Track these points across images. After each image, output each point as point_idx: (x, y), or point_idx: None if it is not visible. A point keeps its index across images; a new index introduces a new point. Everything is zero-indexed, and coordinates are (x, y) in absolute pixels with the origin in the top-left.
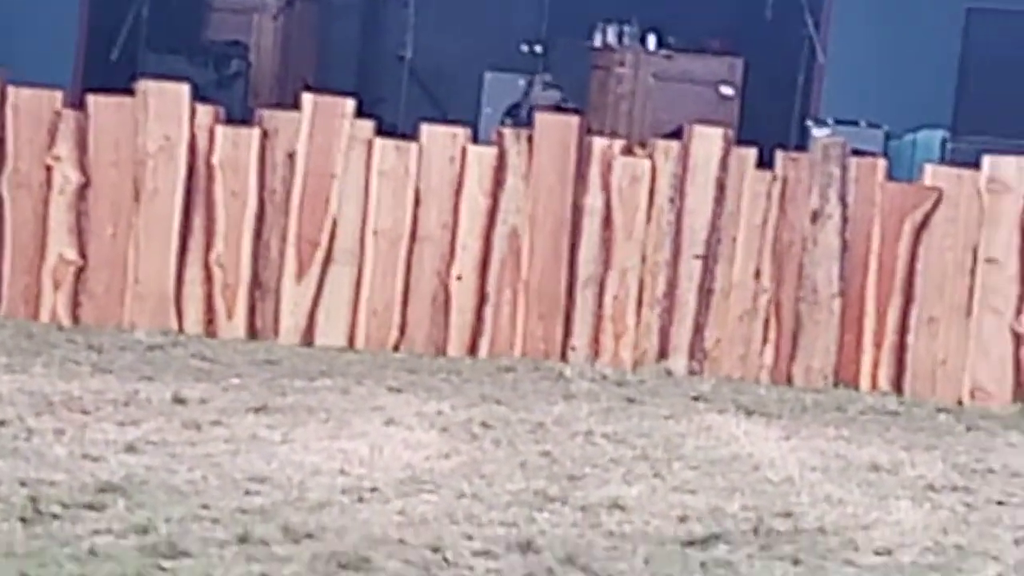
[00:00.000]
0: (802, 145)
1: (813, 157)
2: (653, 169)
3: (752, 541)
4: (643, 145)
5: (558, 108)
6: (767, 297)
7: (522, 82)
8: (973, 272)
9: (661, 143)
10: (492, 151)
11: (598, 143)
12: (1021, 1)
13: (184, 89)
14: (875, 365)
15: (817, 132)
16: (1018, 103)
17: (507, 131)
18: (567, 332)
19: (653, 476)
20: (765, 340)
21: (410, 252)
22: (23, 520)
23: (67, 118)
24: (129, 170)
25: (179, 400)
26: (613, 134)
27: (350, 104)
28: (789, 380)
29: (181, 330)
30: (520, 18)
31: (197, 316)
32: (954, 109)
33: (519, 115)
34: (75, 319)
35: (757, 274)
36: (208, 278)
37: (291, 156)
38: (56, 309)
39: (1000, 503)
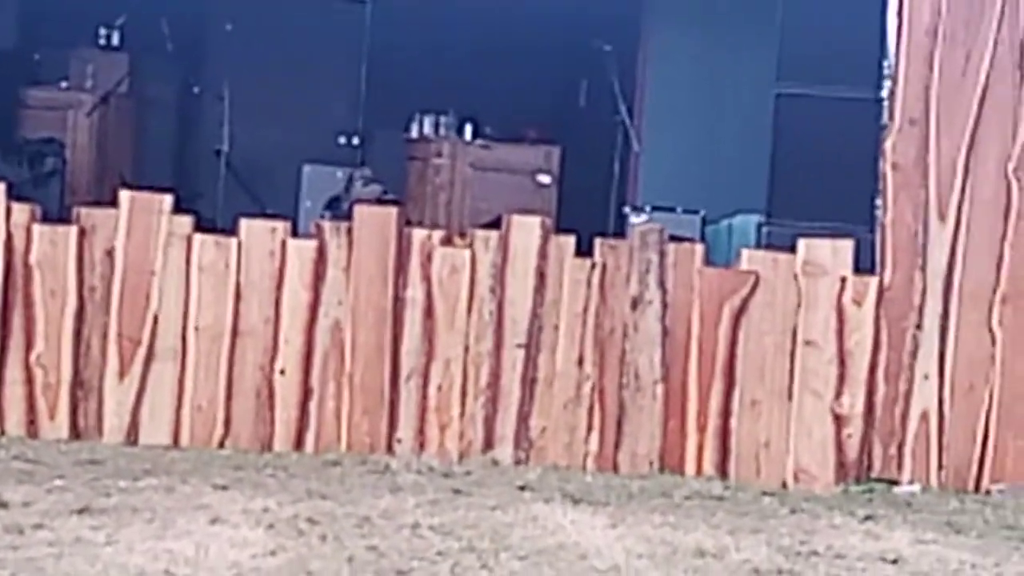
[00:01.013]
0: (620, 232)
1: (632, 244)
2: (473, 259)
3: None
4: (463, 235)
5: (380, 201)
6: (591, 384)
7: (340, 174)
8: (793, 355)
9: (480, 233)
10: (312, 244)
11: (417, 234)
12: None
13: None
14: (700, 449)
15: (635, 219)
16: (829, 187)
17: (326, 224)
18: (392, 424)
19: (481, 568)
20: (590, 427)
21: (232, 347)
22: None
23: None
24: None
25: (1, 504)
26: (433, 225)
27: (168, 200)
28: (615, 467)
29: (3, 432)
30: (336, 111)
31: (19, 417)
32: (768, 194)
33: (339, 208)
34: None
35: (580, 362)
36: (29, 378)
37: (110, 253)
38: None
39: None
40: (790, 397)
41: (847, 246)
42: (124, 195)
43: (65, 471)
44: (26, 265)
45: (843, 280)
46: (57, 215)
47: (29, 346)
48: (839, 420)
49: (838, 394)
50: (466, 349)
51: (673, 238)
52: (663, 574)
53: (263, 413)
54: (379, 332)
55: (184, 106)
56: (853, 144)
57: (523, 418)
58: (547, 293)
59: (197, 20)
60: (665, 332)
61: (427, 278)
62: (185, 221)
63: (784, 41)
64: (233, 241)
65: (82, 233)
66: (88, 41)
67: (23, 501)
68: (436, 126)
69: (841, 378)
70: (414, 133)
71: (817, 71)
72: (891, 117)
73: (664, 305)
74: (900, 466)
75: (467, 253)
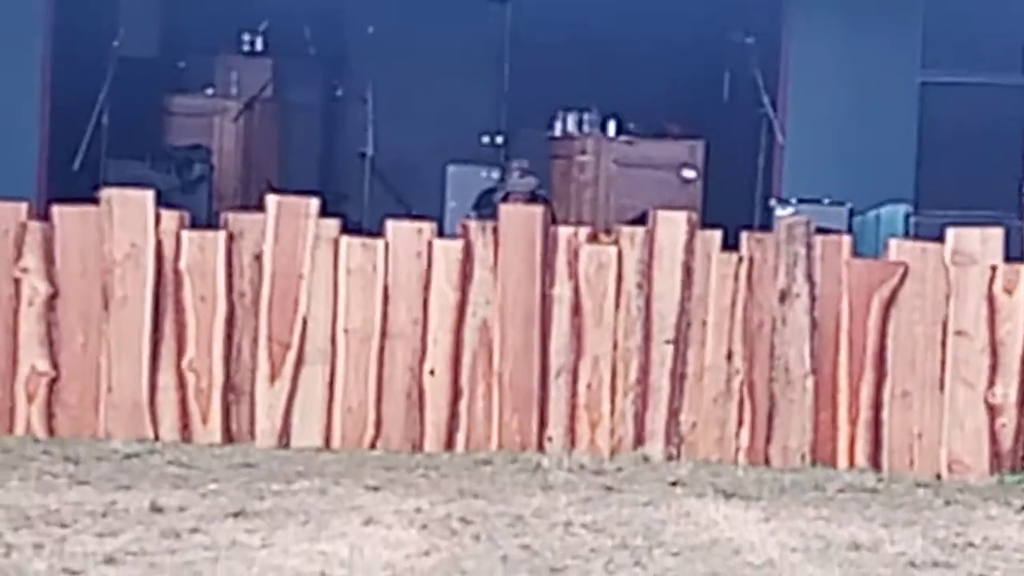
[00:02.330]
0: (767, 225)
1: (778, 237)
2: (620, 255)
3: None
4: (608, 232)
5: (532, 196)
6: (740, 378)
7: (485, 174)
8: (944, 345)
9: (626, 229)
10: (458, 244)
11: (563, 232)
12: (973, 73)
13: (148, 196)
14: (851, 442)
15: (781, 212)
16: (977, 174)
17: (472, 223)
18: (542, 423)
19: (634, 565)
20: (740, 422)
21: (382, 349)
22: None
23: (33, 230)
24: (97, 279)
25: (157, 509)
26: (578, 222)
27: (314, 203)
28: (766, 461)
29: (157, 437)
30: (479, 110)
31: (172, 423)
32: (915, 183)
33: (491, 202)
34: (50, 431)
35: (729, 356)
36: (181, 384)
37: (258, 258)
38: (31, 422)
39: None
40: (942, 388)
41: (997, 234)
42: (271, 199)
43: (219, 475)
44: (176, 271)
45: (993, 269)
46: (205, 221)
47: (181, 352)
48: (992, 410)
49: (991, 384)
50: (615, 346)
51: (820, 230)
52: (818, 568)
53: (413, 414)
54: (527, 330)
55: (328, 109)
56: (1001, 131)
57: (673, 413)
58: (694, 288)
59: (339, 23)
60: (814, 325)
61: (574, 275)
62: (332, 224)
63: (928, 29)
64: (380, 243)
65: (230, 238)
66: (232, 47)
67: (179, 506)
68: (579, 123)
69: (993, 367)
70: (557, 131)
71: (962, 58)
72: None
73: (812, 298)
74: None
75: (613, 250)
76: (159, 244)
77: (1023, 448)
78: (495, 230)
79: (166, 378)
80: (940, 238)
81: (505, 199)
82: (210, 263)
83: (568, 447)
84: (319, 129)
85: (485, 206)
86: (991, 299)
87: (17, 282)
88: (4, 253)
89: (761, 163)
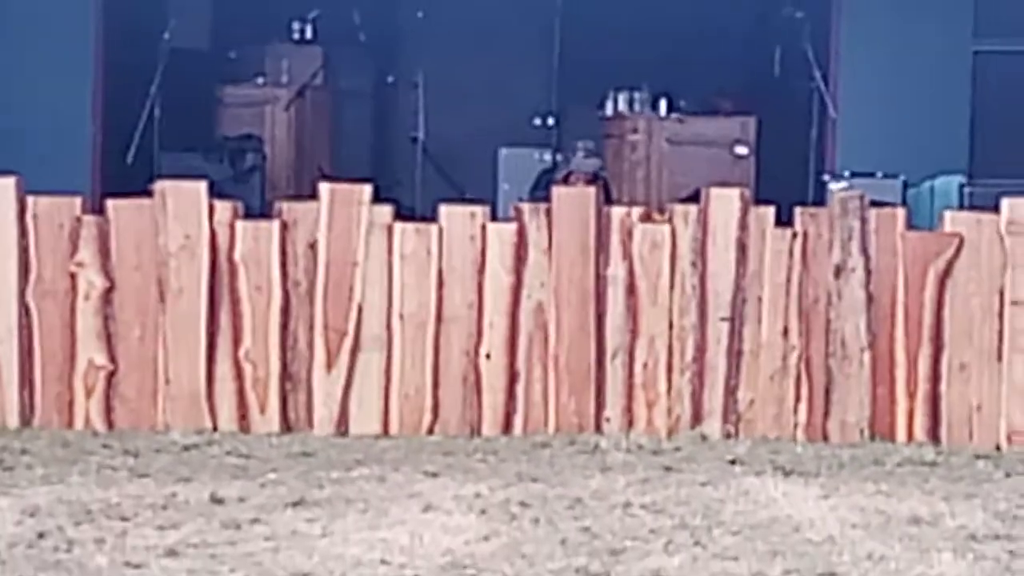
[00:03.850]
0: (820, 200)
1: (832, 211)
2: (673, 234)
3: None
4: (661, 211)
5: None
6: (797, 354)
7: (536, 156)
8: (1001, 316)
9: (679, 208)
10: (512, 227)
11: (616, 212)
12: None
13: (201, 187)
14: (910, 416)
15: (834, 186)
16: None
17: (525, 206)
18: (600, 404)
19: (694, 545)
20: (798, 398)
21: (437, 334)
22: None
23: (88, 224)
24: (152, 271)
25: (217, 500)
26: (631, 201)
27: (367, 190)
28: (825, 437)
29: (215, 428)
30: (530, 92)
31: (230, 413)
32: (969, 153)
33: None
34: (109, 424)
35: (785, 332)
36: (238, 374)
37: (312, 246)
38: (90, 415)
39: None
40: (1000, 358)
41: None
42: (324, 187)
43: (278, 464)
44: (231, 262)
45: None
46: (259, 210)
47: (237, 342)
48: None
49: None
50: (670, 325)
51: (874, 203)
52: (878, 543)
53: (470, 398)
54: (582, 312)
55: (379, 96)
56: None
57: (730, 391)
58: (749, 265)
59: (388, 9)
60: (870, 299)
61: (628, 255)
62: (385, 210)
63: None
64: (433, 228)
65: (284, 227)
66: (282, 36)
67: (238, 496)
68: (630, 102)
69: None
70: (609, 111)
71: (1015, 26)
72: None
73: (868, 272)
74: None
75: (667, 228)
76: (213, 235)
77: None
78: (548, 212)
79: (223, 369)
80: (995, 208)
81: (567, 178)
82: (264, 253)
83: (625, 428)
84: (370, 115)
85: (543, 187)
86: None
87: (73, 276)
88: (60, 248)
89: (814, 138)
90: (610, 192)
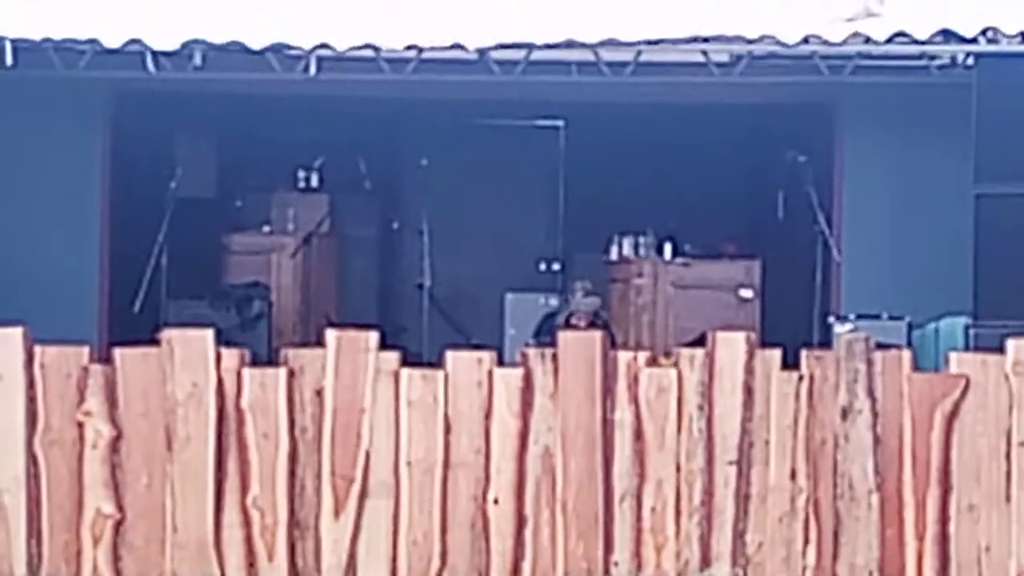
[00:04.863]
0: (826, 342)
1: (838, 354)
2: (679, 378)
3: None
4: (667, 355)
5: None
6: (805, 497)
7: (542, 300)
8: (1008, 456)
9: (685, 351)
10: (518, 372)
11: (623, 356)
12: None
13: (208, 335)
14: (919, 557)
15: (840, 328)
16: None
17: (531, 351)
18: (608, 548)
19: None
20: (807, 540)
21: (445, 479)
22: None
23: (95, 373)
24: (160, 419)
25: None
26: (637, 346)
27: (374, 337)
28: None
29: (223, 575)
30: (535, 237)
31: (238, 560)
32: (974, 295)
33: (554, 327)
34: (117, 573)
35: (793, 475)
36: (246, 521)
37: (319, 393)
38: (97, 565)
39: None
40: (1008, 499)
41: None
42: (330, 334)
43: None
44: (238, 409)
45: None
46: (266, 357)
47: (245, 489)
48: None
49: None
50: (678, 468)
51: (879, 345)
52: None
53: (479, 544)
54: (590, 456)
55: (385, 242)
56: None
57: (739, 534)
58: (755, 407)
59: (393, 157)
60: (877, 440)
61: (635, 399)
62: (392, 357)
63: (980, 141)
64: (440, 374)
65: (291, 374)
66: (288, 184)
67: None
68: (636, 246)
69: None
70: (614, 255)
71: (1016, 169)
72: None
73: (874, 413)
74: None
75: (673, 372)
76: (220, 383)
77: None
78: (554, 357)
79: (231, 516)
80: (1000, 349)
81: (568, 320)
82: (272, 400)
83: (634, 572)
84: (376, 262)
85: (547, 331)
86: None
87: (80, 426)
88: (67, 397)
89: (818, 280)
90: (610, 331)
